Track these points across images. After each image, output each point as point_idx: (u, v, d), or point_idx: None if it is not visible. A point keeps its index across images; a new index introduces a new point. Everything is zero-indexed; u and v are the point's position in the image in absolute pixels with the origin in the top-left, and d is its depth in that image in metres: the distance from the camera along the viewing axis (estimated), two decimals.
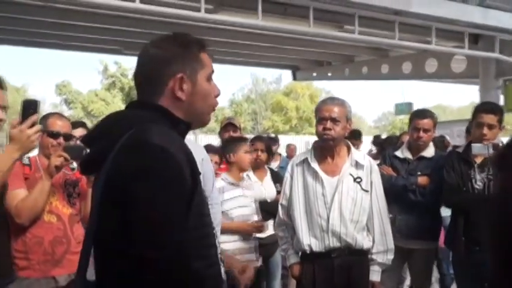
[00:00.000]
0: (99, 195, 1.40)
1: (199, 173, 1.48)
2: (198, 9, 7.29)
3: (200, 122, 1.62)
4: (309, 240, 3.00)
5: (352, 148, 3.13)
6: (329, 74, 15.67)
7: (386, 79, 14.82)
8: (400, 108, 17.45)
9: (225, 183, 3.89)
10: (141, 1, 6.72)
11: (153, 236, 1.27)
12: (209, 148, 4.20)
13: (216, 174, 4.58)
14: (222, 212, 3.70)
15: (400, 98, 27.13)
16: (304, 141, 27.87)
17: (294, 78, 17.21)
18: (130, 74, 30.13)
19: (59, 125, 3.06)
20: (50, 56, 59.27)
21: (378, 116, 45.17)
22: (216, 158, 4.28)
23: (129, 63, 29.68)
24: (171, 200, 1.31)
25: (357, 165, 3.05)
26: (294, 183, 3.10)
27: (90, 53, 14.35)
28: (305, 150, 3.42)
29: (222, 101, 35.46)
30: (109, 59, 28.47)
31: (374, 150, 7.84)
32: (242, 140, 4.24)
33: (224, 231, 3.64)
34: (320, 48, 12.26)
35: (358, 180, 3.02)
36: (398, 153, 4.10)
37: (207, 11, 7.57)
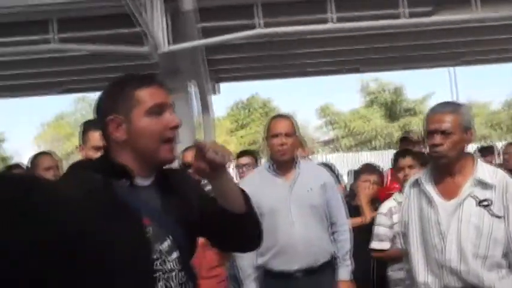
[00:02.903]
0: None
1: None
2: (398, 16, 6.94)
3: (153, 159, 1.54)
4: (425, 278, 2.48)
5: (479, 163, 2.50)
6: None
7: None
8: None
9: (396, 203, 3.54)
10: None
11: None
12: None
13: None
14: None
15: None
16: None
17: None
18: (390, 89, 29.85)
19: (189, 156, 3.35)
20: (312, 83, 63.51)
21: None
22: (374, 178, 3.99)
23: (388, 77, 29.46)
24: None
25: (484, 184, 2.42)
26: (410, 207, 2.62)
27: (336, 75, 14.71)
28: None
29: (496, 105, 32.07)
30: (368, 77, 28.78)
31: None
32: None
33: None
34: None
35: (485, 203, 2.39)
36: None
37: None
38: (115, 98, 1.54)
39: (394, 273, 3.42)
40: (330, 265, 3.11)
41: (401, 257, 3.33)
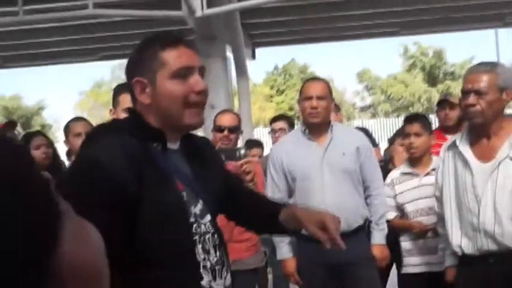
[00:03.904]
0: None
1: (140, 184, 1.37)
2: None
3: (177, 124, 1.49)
4: (459, 241, 2.46)
5: None
6: None
7: None
8: None
9: None
10: None
11: None
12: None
13: None
14: None
15: None
16: None
17: None
18: (431, 52, 29.01)
19: (223, 120, 3.38)
20: (350, 47, 61.90)
21: None
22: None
23: (429, 41, 28.58)
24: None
25: None
26: (445, 170, 2.58)
27: (378, 38, 14.21)
28: None
29: None
30: (409, 40, 27.97)
31: None
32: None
33: None
34: None
35: None
36: None
37: None
38: (141, 59, 1.48)
39: (404, 243, 3.32)
40: (364, 229, 3.10)
41: (404, 227, 3.30)
